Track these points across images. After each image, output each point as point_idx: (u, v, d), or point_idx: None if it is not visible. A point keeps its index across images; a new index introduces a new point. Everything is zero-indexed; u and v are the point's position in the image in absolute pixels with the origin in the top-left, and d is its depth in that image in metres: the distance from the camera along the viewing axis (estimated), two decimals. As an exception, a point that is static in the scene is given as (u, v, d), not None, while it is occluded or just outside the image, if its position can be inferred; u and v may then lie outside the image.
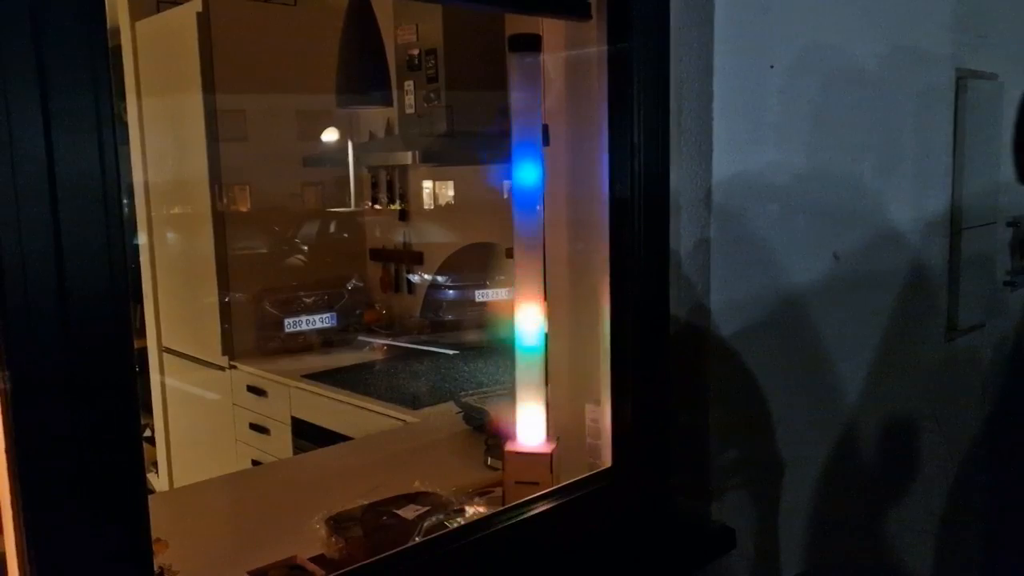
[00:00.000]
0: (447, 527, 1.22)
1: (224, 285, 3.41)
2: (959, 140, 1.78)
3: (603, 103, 1.25)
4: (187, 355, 3.64)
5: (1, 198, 0.66)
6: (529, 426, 1.34)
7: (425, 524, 1.22)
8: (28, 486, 0.70)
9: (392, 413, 2.60)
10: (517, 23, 1.33)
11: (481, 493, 1.42)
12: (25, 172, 0.67)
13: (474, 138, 2.74)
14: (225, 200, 3.39)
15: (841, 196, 1.54)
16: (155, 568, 0.90)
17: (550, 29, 1.34)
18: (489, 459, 1.73)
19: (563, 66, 1.36)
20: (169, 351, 3.75)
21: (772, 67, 1.36)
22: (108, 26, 0.74)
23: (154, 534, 0.80)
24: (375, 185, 3.65)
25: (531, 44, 1.29)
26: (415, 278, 3.60)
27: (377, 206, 3.66)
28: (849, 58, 1.52)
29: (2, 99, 0.65)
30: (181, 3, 3.43)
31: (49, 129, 0.68)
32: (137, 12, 3.59)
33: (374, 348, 3.41)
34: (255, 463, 3.18)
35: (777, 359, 1.45)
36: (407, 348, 3.34)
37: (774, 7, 1.36)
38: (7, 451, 0.70)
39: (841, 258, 1.53)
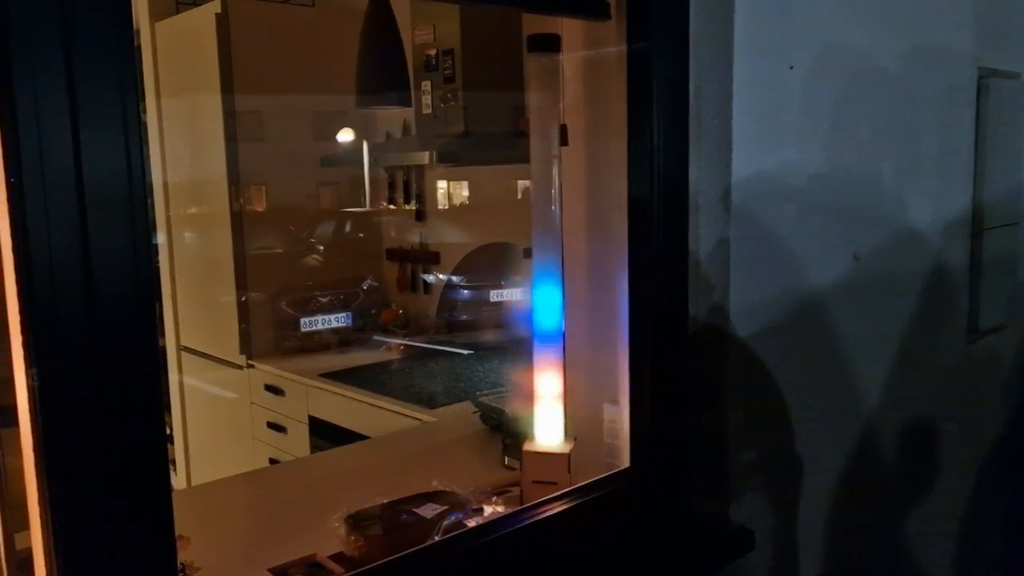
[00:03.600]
0: (466, 526, 1.22)
1: (241, 284, 3.43)
2: (980, 140, 1.76)
3: (622, 103, 1.25)
4: (205, 354, 3.66)
5: (30, 198, 0.66)
6: (547, 426, 1.34)
7: (444, 523, 1.23)
8: (55, 483, 0.71)
9: (409, 412, 2.61)
10: (535, 23, 1.33)
11: (499, 492, 1.42)
12: (53, 172, 0.68)
13: (491, 138, 2.74)
14: (242, 200, 3.42)
15: (861, 196, 1.53)
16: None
17: (569, 29, 1.33)
18: (507, 459, 1.73)
19: (582, 66, 1.35)
20: (187, 350, 3.78)
21: (792, 68, 1.36)
22: (133, 28, 0.74)
23: (176, 531, 0.80)
24: (391, 185, 3.66)
25: (550, 44, 1.29)
26: (431, 278, 3.61)
27: (393, 206, 3.67)
28: (869, 58, 1.51)
29: (31, 100, 0.66)
30: (200, 4, 3.45)
31: (77, 130, 0.68)
32: (156, 13, 3.62)
33: (390, 348, 3.42)
34: (272, 461, 3.20)
35: (796, 360, 1.44)
36: (423, 348, 3.35)
37: (794, 8, 1.35)
38: (35, 449, 0.71)
39: (861, 259, 1.52)
